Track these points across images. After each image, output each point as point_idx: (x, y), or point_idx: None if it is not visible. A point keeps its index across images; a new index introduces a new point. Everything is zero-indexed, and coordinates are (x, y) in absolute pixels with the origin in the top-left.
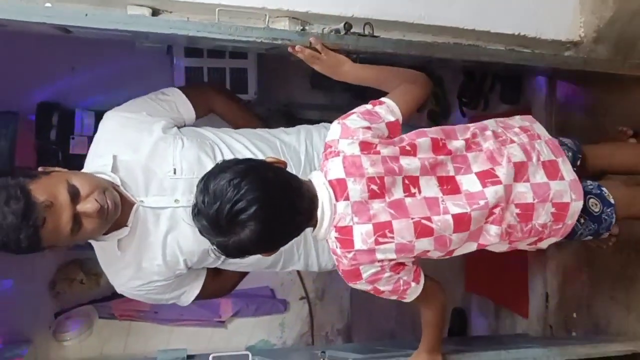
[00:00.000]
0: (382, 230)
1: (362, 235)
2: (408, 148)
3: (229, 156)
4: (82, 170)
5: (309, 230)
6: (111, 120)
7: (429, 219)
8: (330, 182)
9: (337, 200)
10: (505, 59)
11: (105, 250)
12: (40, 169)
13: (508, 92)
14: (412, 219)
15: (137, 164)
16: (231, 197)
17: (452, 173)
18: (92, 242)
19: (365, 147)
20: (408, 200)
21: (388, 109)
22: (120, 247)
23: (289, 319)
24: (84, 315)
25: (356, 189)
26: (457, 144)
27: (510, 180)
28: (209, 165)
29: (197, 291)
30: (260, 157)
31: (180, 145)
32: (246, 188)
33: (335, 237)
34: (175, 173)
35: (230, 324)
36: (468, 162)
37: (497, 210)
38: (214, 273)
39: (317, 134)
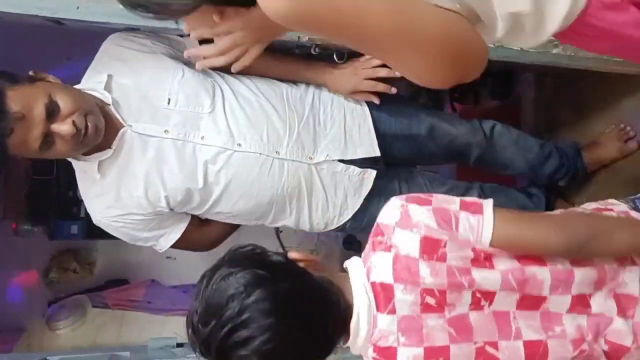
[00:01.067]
0: (436, 357)
1: None
2: (483, 257)
3: (229, 100)
4: (76, 86)
5: (303, 184)
6: (113, 41)
7: (495, 345)
8: (373, 284)
9: (378, 310)
10: (490, 56)
11: (85, 173)
12: (31, 72)
13: (498, 87)
14: (476, 343)
15: (134, 87)
16: (230, 318)
17: (545, 293)
18: (72, 161)
19: (428, 247)
20: (473, 315)
21: (477, 226)
22: (100, 170)
23: None
24: (78, 304)
25: (406, 299)
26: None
27: (607, 310)
28: (206, 104)
29: (177, 235)
30: (264, 103)
31: (180, 75)
32: (252, 310)
33: (374, 358)
34: (169, 103)
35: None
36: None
37: (585, 346)
38: (199, 222)
39: (327, 91)
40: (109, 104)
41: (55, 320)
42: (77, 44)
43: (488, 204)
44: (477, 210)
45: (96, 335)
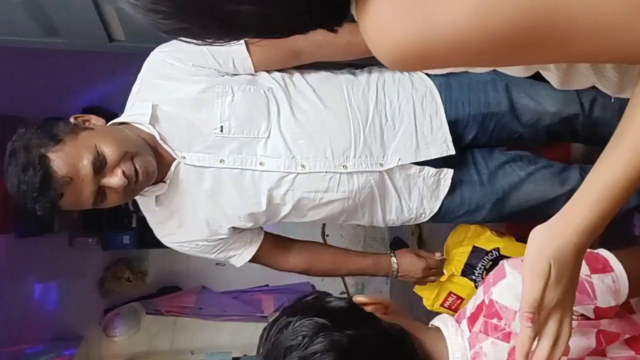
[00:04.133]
0: None
1: None
2: (602, 349)
3: (286, 118)
4: (121, 117)
5: (375, 191)
6: (155, 64)
7: None
8: None
9: None
10: None
11: (146, 204)
12: (72, 119)
13: None
14: None
15: (180, 117)
16: None
17: None
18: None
19: None
20: None
21: (614, 285)
22: (158, 204)
23: None
24: (132, 312)
25: None
26: None
27: None
28: (262, 127)
29: (247, 257)
30: (325, 114)
31: (229, 99)
32: None
33: None
34: (222, 131)
35: (272, 319)
36: None
37: None
38: (274, 246)
39: (391, 78)
40: (157, 139)
41: (112, 328)
42: (123, 57)
43: (609, 256)
44: (606, 267)
45: (151, 342)
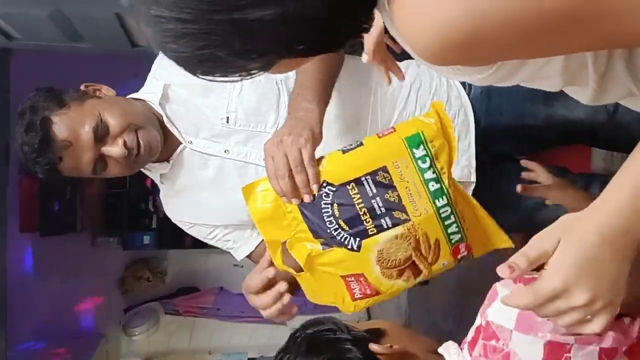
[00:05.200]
0: None
1: None
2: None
3: None
4: (136, 94)
5: None
6: None
7: None
8: None
9: None
10: None
11: (155, 177)
12: (82, 86)
13: None
14: None
15: (190, 101)
16: None
17: None
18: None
19: (554, 356)
20: None
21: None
22: (163, 180)
23: (346, 316)
24: (151, 311)
25: None
26: None
27: None
28: (271, 118)
29: (249, 249)
30: (340, 112)
31: (238, 89)
32: None
33: None
34: (228, 122)
35: (289, 321)
36: None
37: None
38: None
39: (428, 84)
40: (163, 120)
41: (131, 326)
42: (144, 60)
43: None
44: None
45: (169, 341)
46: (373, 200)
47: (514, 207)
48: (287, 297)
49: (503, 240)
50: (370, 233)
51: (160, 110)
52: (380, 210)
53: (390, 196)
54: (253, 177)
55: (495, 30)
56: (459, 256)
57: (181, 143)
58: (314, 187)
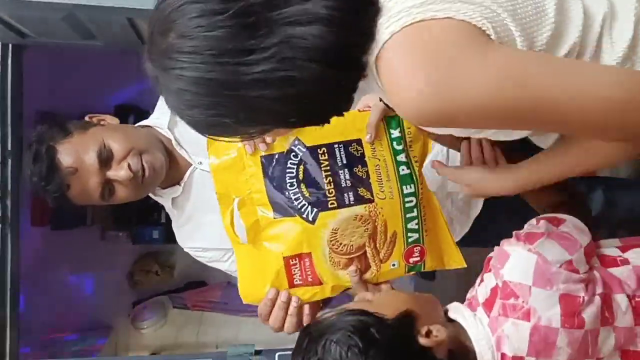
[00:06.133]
0: None
1: None
2: (607, 313)
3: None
4: (144, 121)
5: None
6: None
7: None
8: (503, 356)
9: None
10: None
11: (168, 208)
12: (87, 117)
13: None
14: None
15: None
16: None
17: None
18: (151, 196)
19: (569, 309)
20: None
21: (577, 227)
22: (174, 206)
23: None
24: (160, 305)
25: None
26: None
27: None
28: None
29: None
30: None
31: None
32: None
33: None
34: None
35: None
36: None
37: None
38: None
39: None
40: (172, 143)
41: (140, 320)
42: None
43: (550, 215)
44: (557, 219)
45: (177, 335)
46: (341, 171)
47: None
48: (294, 302)
49: (456, 260)
50: (330, 206)
51: (168, 134)
52: (346, 183)
53: (358, 171)
54: None
55: (459, 112)
56: (411, 260)
57: (191, 165)
58: None
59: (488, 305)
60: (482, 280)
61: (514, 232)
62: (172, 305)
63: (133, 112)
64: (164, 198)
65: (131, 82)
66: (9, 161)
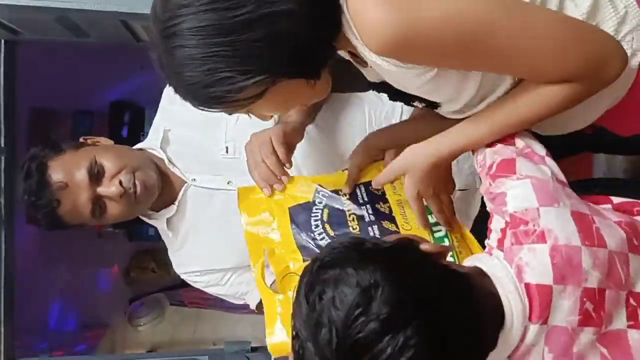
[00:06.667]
0: None
1: None
2: (630, 231)
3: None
4: (137, 145)
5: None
6: (171, 91)
7: None
8: (527, 286)
9: (530, 319)
10: None
11: (162, 231)
12: (81, 139)
13: None
14: None
15: (191, 138)
16: (371, 328)
17: None
18: (145, 219)
19: (584, 225)
20: (633, 334)
21: (526, 136)
22: (170, 227)
23: None
24: (157, 302)
25: (562, 306)
26: None
27: None
28: None
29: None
30: (338, 137)
31: (234, 119)
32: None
33: None
34: (227, 152)
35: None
36: None
37: None
38: None
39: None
40: (165, 162)
41: (136, 317)
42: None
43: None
44: (507, 140)
45: (174, 332)
46: (363, 207)
47: None
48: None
49: None
50: None
51: (161, 154)
52: (369, 218)
53: (380, 207)
54: None
55: (419, 37)
56: None
57: (185, 182)
58: (287, 165)
59: (500, 243)
60: (490, 231)
61: (487, 175)
62: (169, 302)
63: (129, 108)
64: (158, 220)
65: (127, 78)
66: (2, 158)
